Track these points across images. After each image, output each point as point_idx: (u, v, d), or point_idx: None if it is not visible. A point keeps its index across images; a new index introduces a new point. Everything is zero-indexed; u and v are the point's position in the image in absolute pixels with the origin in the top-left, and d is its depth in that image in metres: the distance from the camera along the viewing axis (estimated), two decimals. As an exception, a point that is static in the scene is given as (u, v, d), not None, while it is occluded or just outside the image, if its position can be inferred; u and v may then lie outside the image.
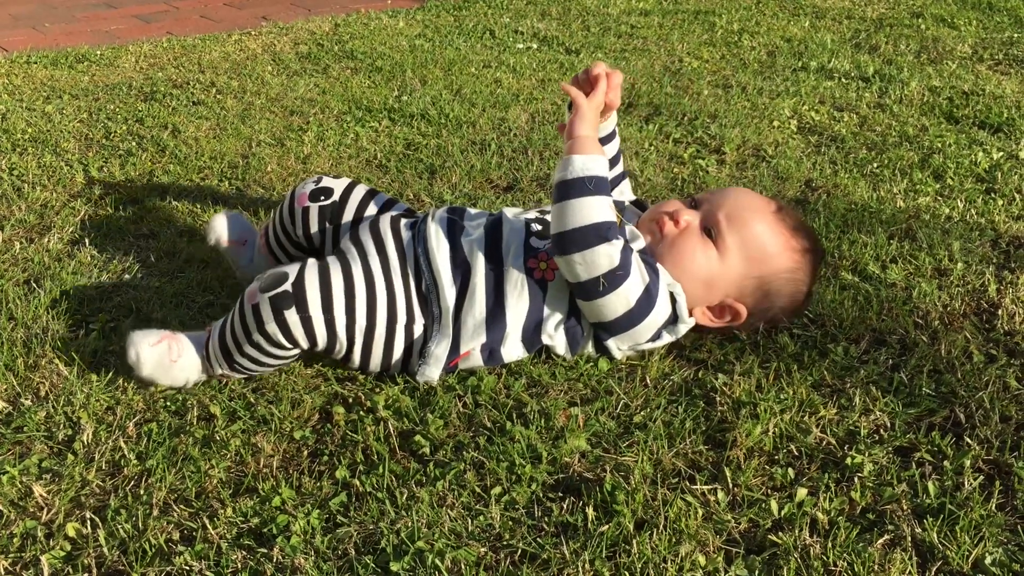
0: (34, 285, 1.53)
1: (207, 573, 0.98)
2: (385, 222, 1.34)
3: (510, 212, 1.37)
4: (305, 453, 1.16)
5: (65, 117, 2.34)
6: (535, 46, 3.00)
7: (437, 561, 0.97)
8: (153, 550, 1.00)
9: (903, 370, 1.28)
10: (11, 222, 1.76)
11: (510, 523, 1.03)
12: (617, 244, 1.22)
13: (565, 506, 1.05)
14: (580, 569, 0.96)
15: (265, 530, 1.03)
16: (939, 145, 2.06)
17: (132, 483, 1.11)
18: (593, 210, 1.22)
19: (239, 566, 0.98)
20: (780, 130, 2.20)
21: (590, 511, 1.03)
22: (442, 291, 1.26)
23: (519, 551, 0.99)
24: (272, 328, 1.19)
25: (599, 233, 1.21)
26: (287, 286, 1.20)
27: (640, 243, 1.31)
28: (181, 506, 1.07)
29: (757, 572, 0.96)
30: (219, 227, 1.51)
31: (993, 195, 1.82)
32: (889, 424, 1.18)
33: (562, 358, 1.31)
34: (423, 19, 3.40)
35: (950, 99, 2.37)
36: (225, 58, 2.89)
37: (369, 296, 1.24)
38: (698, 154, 2.07)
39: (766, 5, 3.52)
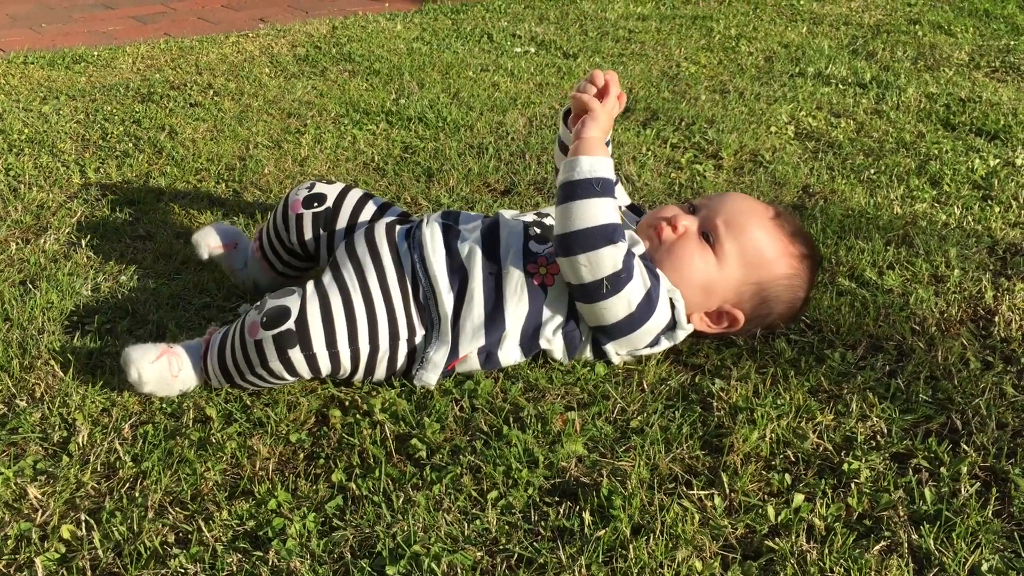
0: (30, 286, 1.52)
1: (202, 576, 0.97)
2: (380, 230, 1.33)
3: (507, 214, 1.37)
4: (301, 456, 1.16)
5: (62, 118, 2.34)
6: (533, 50, 3.00)
7: (433, 565, 0.97)
8: (148, 553, 1.00)
9: (900, 376, 1.28)
10: (7, 223, 1.76)
11: (506, 527, 1.03)
12: (622, 247, 1.22)
13: (562, 511, 1.05)
14: (576, 574, 0.96)
15: (261, 533, 1.03)
16: (936, 152, 2.07)
17: (127, 485, 1.10)
18: (599, 212, 1.22)
19: (234, 569, 0.98)
20: (777, 136, 2.20)
21: (587, 516, 1.03)
22: (440, 298, 1.26)
23: (515, 555, 0.99)
24: (276, 365, 1.20)
25: (605, 235, 1.21)
26: (290, 324, 1.19)
27: (640, 248, 1.31)
28: (176, 508, 1.06)
29: (754, 578, 0.96)
30: (206, 237, 1.50)
31: (990, 202, 1.83)
32: (886, 430, 1.18)
33: (559, 362, 1.30)
34: (421, 22, 3.40)
35: (947, 106, 2.37)
36: (222, 60, 2.89)
37: (371, 322, 1.23)
38: (695, 159, 2.07)
39: (763, 11, 3.52)
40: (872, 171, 1.98)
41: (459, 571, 0.97)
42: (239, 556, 0.99)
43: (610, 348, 1.29)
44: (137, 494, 1.09)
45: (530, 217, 1.37)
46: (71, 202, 1.86)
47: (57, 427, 1.20)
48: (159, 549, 1.00)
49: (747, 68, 2.77)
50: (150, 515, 1.05)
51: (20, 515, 1.06)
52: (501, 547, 1.00)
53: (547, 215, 1.39)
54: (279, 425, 1.20)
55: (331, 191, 1.44)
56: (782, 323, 1.38)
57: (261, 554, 0.99)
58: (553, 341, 1.28)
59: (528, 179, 1.95)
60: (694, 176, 1.97)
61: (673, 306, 1.29)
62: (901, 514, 1.04)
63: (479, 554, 0.99)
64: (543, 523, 1.04)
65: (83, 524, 1.04)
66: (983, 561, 0.97)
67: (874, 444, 1.16)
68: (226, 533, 1.03)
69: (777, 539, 1.00)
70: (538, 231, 1.33)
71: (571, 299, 1.27)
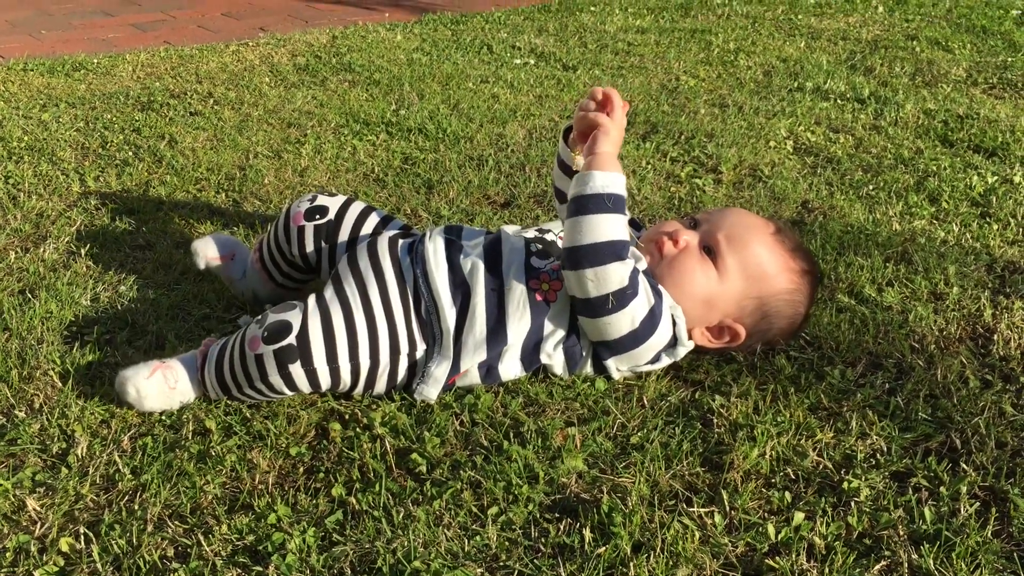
0: (29, 295, 1.52)
1: (202, 591, 0.97)
2: (383, 244, 1.33)
3: (509, 230, 1.37)
4: (301, 470, 1.16)
5: (61, 125, 2.34)
6: (532, 62, 3.01)
7: (434, 582, 0.96)
8: (147, 566, 1.00)
9: (899, 394, 1.28)
10: (6, 231, 1.76)
11: (507, 544, 1.03)
12: (629, 263, 1.23)
13: (562, 527, 1.05)
14: (577, 591, 0.96)
15: (260, 548, 1.02)
16: (934, 168, 2.08)
17: (126, 498, 1.10)
18: (609, 227, 1.23)
19: (234, 584, 0.98)
20: (776, 150, 2.21)
21: (587, 533, 1.03)
22: (442, 313, 1.26)
23: (516, 572, 0.99)
24: (276, 380, 1.20)
25: (613, 251, 1.22)
26: (291, 339, 1.19)
27: (643, 264, 1.31)
28: (176, 522, 1.06)
29: (754, 597, 0.97)
30: (203, 248, 1.50)
31: (988, 219, 1.84)
32: (885, 449, 1.18)
33: (559, 377, 1.30)
34: (421, 33, 3.41)
35: (945, 122, 2.38)
36: (222, 69, 2.89)
37: (371, 337, 1.23)
38: (695, 173, 2.07)
39: (762, 25, 3.54)
40: (871, 187, 1.99)
41: (459, 588, 0.97)
42: (239, 571, 0.99)
43: (611, 364, 1.29)
44: (136, 507, 1.08)
45: (531, 233, 1.37)
46: (70, 211, 1.86)
47: (56, 438, 1.20)
48: (158, 563, 1.00)
49: (746, 82, 2.78)
50: (149, 528, 1.05)
51: (19, 527, 1.06)
52: (501, 564, 1.00)
53: (548, 231, 1.40)
54: (279, 438, 1.20)
55: (333, 203, 1.44)
56: (782, 339, 1.38)
57: (261, 569, 0.99)
58: (554, 356, 1.28)
59: (528, 192, 1.95)
60: (693, 190, 1.98)
61: (675, 323, 1.29)
62: (901, 533, 1.04)
63: (479, 570, 0.99)
64: (543, 539, 1.03)
65: (82, 537, 1.03)
66: (983, 581, 0.98)
67: (874, 462, 1.16)
68: (225, 547, 1.03)
69: (777, 558, 1.00)
70: (540, 247, 1.33)
71: (573, 315, 1.27)
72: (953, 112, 2.45)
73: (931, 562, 1.00)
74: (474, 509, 1.08)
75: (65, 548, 1.02)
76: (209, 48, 3.16)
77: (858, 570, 0.99)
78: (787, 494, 1.10)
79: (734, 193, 1.98)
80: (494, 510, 1.07)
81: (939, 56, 3.06)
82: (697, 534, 1.03)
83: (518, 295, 1.26)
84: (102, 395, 1.27)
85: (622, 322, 1.24)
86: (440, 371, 1.24)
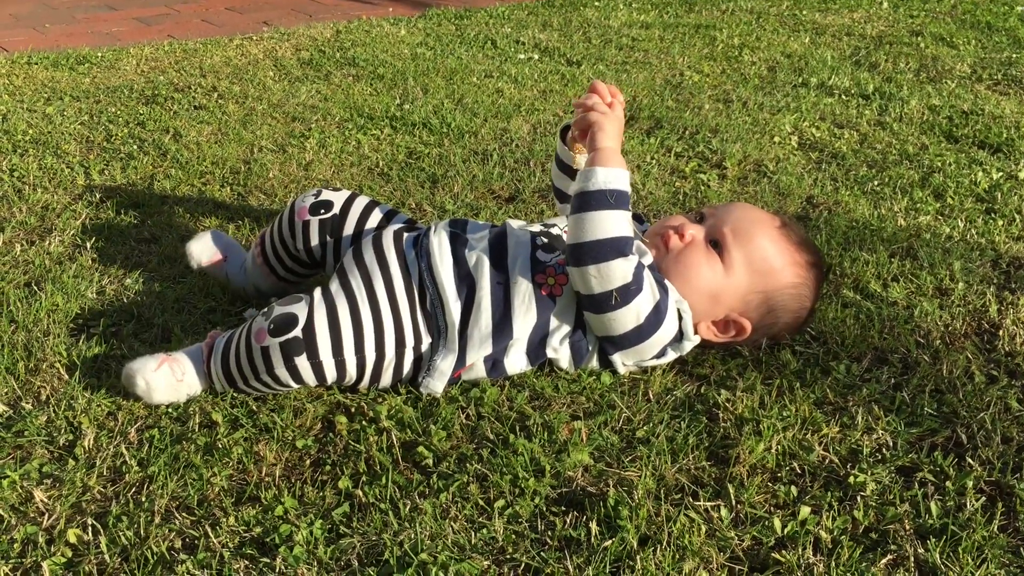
0: (35, 288, 1.52)
1: (209, 582, 0.97)
2: (388, 238, 1.33)
3: (515, 224, 1.37)
4: (307, 462, 1.16)
5: (66, 119, 2.34)
6: (536, 57, 3.00)
7: (441, 574, 0.97)
8: (155, 558, 1.00)
9: (905, 389, 1.28)
10: (12, 224, 1.76)
11: (513, 537, 1.03)
12: (632, 259, 1.23)
13: (568, 520, 1.05)
14: (584, 584, 0.96)
15: (268, 539, 1.02)
16: (939, 164, 2.08)
17: (133, 490, 1.10)
18: (612, 224, 1.22)
19: (242, 575, 0.98)
20: (781, 146, 2.21)
21: (593, 526, 1.03)
22: (447, 306, 1.26)
23: (522, 565, 0.99)
24: (282, 372, 1.20)
25: (616, 247, 1.22)
26: (297, 332, 1.19)
27: (648, 258, 1.31)
28: (183, 514, 1.06)
29: (761, 590, 0.97)
30: (196, 250, 1.51)
31: (993, 215, 1.83)
32: (891, 443, 1.18)
33: (565, 371, 1.31)
34: (425, 27, 3.41)
35: (950, 118, 2.38)
36: (227, 62, 2.89)
37: (377, 330, 1.23)
38: (700, 168, 2.07)
39: (766, 20, 3.53)
40: (876, 183, 1.99)
41: (466, 580, 0.97)
42: (246, 563, 0.99)
43: (617, 358, 1.29)
44: (143, 499, 1.08)
45: (537, 228, 1.37)
46: (75, 204, 1.86)
47: (63, 430, 1.20)
48: (166, 555, 1.00)
49: (750, 78, 2.78)
50: (156, 520, 1.05)
51: (26, 518, 1.06)
52: (508, 556, 1.00)
53: (553, 225, 1.40)
54: (285, 431, 1.20)
55: (337, 198, 1.44)
56: (788, 333, 1.38)
57: (268, 560, 0.99)
58: (560, 350, 1.28)
59: (532, 186, 1.95)
60: (698, 185, 1.98)
61: (681, 317, 1.29)
62: (907, 528, 1.04)
63: (486, 563, 0.99)
64: (550, 532, 1.04)
65: (89, 528, 1.04)
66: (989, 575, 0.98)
67: (880, 457, 1.16)
68: (233, 539, 1.03)
69: (784, 551, 1.01)
70: (545, 240, 1.33)
71: (579, 309, 1.28)
72: (958, 108, 2.45)
73: (937, 556, 1.00)
74: (481, 502, 1.08)
75: (73, 539, 1.03)
76: (213, 42, 3.16)
77: (864, 564, 0.99)
78: (793, 488, 1.10)
79: (739, 188, 1.98)
80: (501, 503, 1.07)
81: (944, 52, 3.06)
82: (703, 527, 1.04)
83: (524, 290, 1.26)
84: (109, 387, 1.27)
85: (627, 318, 1.24)
86: (446, 364, 1.25)
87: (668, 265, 1.33)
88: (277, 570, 0.98)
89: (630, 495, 1.08)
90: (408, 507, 1.06)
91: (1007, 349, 1.38)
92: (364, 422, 1.22)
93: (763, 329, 1.35)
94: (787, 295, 1.33)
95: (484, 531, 1.03)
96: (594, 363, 1.31)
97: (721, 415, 1.23)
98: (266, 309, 1.25)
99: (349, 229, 1.43)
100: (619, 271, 1.21)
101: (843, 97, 2.57)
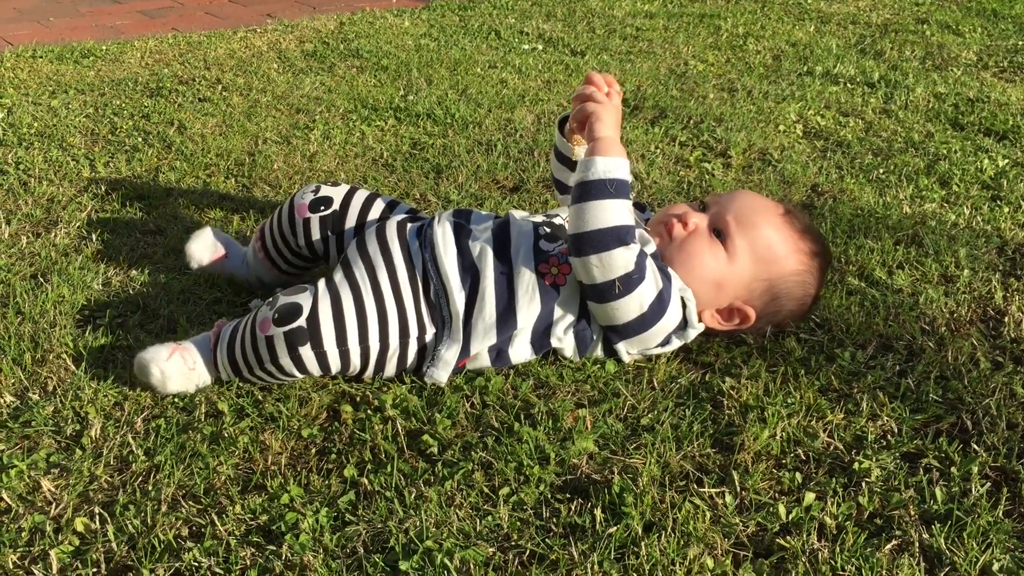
0: (41, 280, 1.53)
1: (216, 570, 0.98)
2: (391, 228, 1.34)
3: (517, 214, 1.37)
4: (313, 451, 1.16)
5: (71, 112, 2.34)
6: (540, 47, 3.00)
7: (446, 561, 0.97)
8: (162, 546, 1.00)
9: (910, 376, 1.28)
10: (18, 216, 1.76)
11: (518, 524, 1.03)
12: (634, 248, 1.22)
13: (573, 507, 1.05)
14: (589, 570, 0.96)
15: (274, 527, 1.03)
16: (945, 151, 2.07)
17: (140, 479, 1.11)
18: (612, 213, 1.22)
19: (248, 563, 0.98)
20: (786, 134, 2.20)
21: (598, 512, 1.03)
22: (451, 296, 1.26)
23: (527, 552, 1.00)
24: (286, 362, 1.20)
25: (617, 236, 1.22)
26: (301, 322, 1.20)
27: (651, 247, 1.31)
28: (190, 502, 1.07)
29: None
30: (195, 251, 1.52)
31: (999, 202, 1.83)
32: (896, 430, 1.18)
33: (570, 360, 1.31)
34: (428, 18, 3.40)
35: (955, 106, 2.37)
36: (231, 55, 2.89)
37: (381, 320, 1.24)
38: (704, 157, 2.07)
39: (771, 9, 3.52)
40: (881, 170, 1.98)
41: (472, 567, 0.97)
42: (253, 550, 1.00)
43: (621, 347, 1.29)
44: (150, 488, 1.09)
45: (539, 218, 1.37)
46: (81, 196, 1.86)
47: (70, 420, 1.20)
48: (173, 542, 1.01)
49: (755, 66, 2.77)
50: (163, 509, 1.06)
51: (34, 507, 1.07)
52: (513, 543, 1.01)
53: (556, 215, 1.40)
54: (291, 420, 1.20)
55: (337, 193, 1.44)
56: (792, 321, 1.38)
57: (274, 548, 1.00)
58: (564, 340, 1.29)
59: (537, 176, 1.95)
60: (703, 174, 1.98)
61: (684, 305, 1.29)
62: (912, 513, 1.04)
63: (491, 550, 1.00)
64: (555, 520, 1.04)
65: (97, 517, 1.04)
66: (994, 561, 0.98)
67: (884, 443, 1.16)
68: (239, 527, 1.03)
69: (788, 537, 1.01)
70: (548, 230, 1.33)
71: (583, 298, 1.28)
72: (963, 96, 2.44)
73: (942, 541, 1.00)
74: (486, 490, 1.08)
75: (80, 528, 1.03)
76: (217, 35, 3.16)
77: (869, 549, 0.99)
78: (798, 475, 1.10)
79: (743, 177, 1.97)
80: (505, 490, 1.08)
81: (949, 40, 3.04)
82: (708, 514, 1.04)
83: (527, 280, 1.27)
84: (115, 377, 1.28)
85: (630, 306, 1.24)
86: (450, 354, 1.25)
87: (672, 253, 1.33)
88: (283, 557, 0.98)
89: (635, 482, 1.08)
90: (413, 495, 1.07)
91: (1012, 335, 1.38)
92: (369, 411, 1.22)
93: (767, 317, 1.35)
94: (791, 283, 1.33)
95: (489, 518, 1.03)
96: (599, 352, 1.31)
97: (725, 402, 1.23)
98: (271, 299, 1.25)
99: (351, 222, 1.43)
100: (621, 260, 1.21)
101: (848, 85, 2.56)
